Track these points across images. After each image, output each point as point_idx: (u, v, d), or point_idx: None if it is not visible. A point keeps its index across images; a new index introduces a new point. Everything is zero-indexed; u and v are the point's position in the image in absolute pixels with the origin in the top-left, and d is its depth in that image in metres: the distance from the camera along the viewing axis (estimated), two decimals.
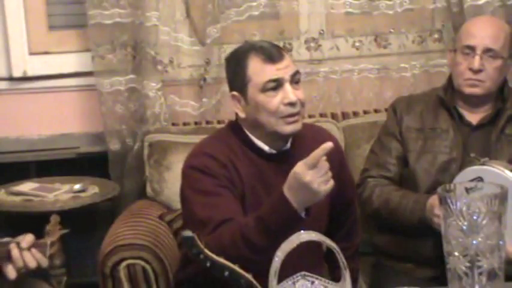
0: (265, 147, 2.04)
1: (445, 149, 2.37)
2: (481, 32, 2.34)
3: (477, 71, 2.32)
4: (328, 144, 1.76)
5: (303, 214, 1.82)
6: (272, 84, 1.96)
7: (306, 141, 2.07)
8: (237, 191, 1.98)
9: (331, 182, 1.80)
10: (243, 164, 2.01)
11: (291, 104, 1.96)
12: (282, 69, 1.97)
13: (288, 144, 2.07)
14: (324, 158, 1.78)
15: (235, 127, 2.08)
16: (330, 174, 1.79)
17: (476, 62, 2.31)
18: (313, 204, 1.83)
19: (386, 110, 3.05)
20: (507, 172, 2.10)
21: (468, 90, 2.35)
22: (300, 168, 1.78)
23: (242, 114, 2.02)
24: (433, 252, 2.19)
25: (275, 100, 1.96)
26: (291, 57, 2.06)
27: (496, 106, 2.39)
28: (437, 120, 2.41)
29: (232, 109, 2.08)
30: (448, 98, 2.41)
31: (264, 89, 1.96)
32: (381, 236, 2.48)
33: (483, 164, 2.16)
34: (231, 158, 2.00)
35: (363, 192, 2.41)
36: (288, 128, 1.98)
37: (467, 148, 2.36)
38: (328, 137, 2.22)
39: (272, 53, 1.98)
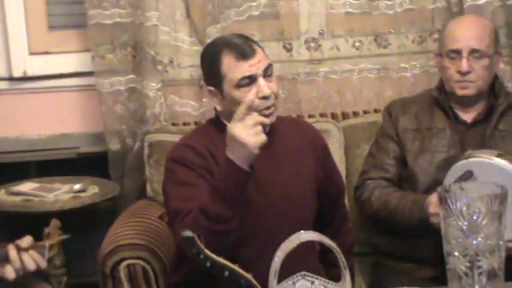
0: None
1: (442, 147, 2.37)
2: (465, 34, 2.34)
3: (466, 73, 2.33)
4: (249, 98, 1.89)
5: (245, 167, 1.89)
6: (246, 81, 2.01)
7: (284, 127, 2.16)
8: (214, 180, 2.02)
9: (262, 136, 1.87)
10: (222, 152, 2.04)
11: (266, 98, 2.01)
12: (254, 65, 2.01)
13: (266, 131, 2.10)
14: (257, 116, 1.87)
15: (215, 120, 2.15)
16: (259, 128, 1.87)
17: (464, 65, 2.32)
18: (253, 159, 1.89)
19: None
20: (496, 159, 2.10)
21: (460, 92, 2.36)
22: (229, 125, 1.89)
23: (219, 108, 2.09)
24: (433, 252, 2.19)
25: (250, 95, 2.01)
26: (263, 51, 2.08)
27: (488, 102, 2.40)
28: (433, 120, 2.42)
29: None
30: (442, 98, 2.42)
31: (239, 86, 2.01)
32: (381, 237, 2.48)
33: (469, 157, 2.16)
34: (209, 148, 2.07)
35: (362, 194, 2.42)
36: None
37: (464, 146, 2.36)
38: (311, 128, 2.30)
39: (244, 50, 2.02)
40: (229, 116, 2.06)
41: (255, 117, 1.87)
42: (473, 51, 2.32)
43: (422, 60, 3.17)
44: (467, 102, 2.40)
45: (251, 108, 2.01)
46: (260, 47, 2.08)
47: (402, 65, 3.18)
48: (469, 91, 2.36)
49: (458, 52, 2.33)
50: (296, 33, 3.19)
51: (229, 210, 1.88)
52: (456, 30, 2.38)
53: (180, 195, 2.00)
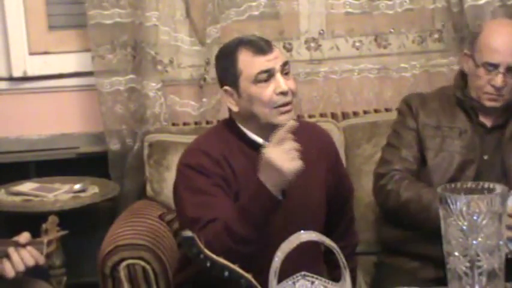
0: (260, 140, 2.05)
1: (462, 149, 2.34)
2: (505, 49, 2.27)
3: (500, 88, 2.29)
4: (291, 123, 1.84)
5: (279, 196, 1.86)
6: (264, 76, 1.99)
7: (299, 134, 2.11)
8: (230, 188, 2.01)
9: (298, 162, 1.84)
10: (237, 158, 2.04)
11: (283, 93, 1.99)
12: (272, 60, 1.99)
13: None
14: (290, 136, 1.84)
15: (229, 122, 2.11)
16: (295, 153, 1.84)
17: (499, 80, 2.27)
18: (287, 186, 1.86)
19: (386, 110, 3.06)
20: None
21: (489, 103, 2.32)
22: (265, 148, 1.85)
23: (235, 108, 2.04)
24: (441, 251, 2.18)
25: (267, 90, 1.99)
26: (280, 51, 2.08)
27: (509, 109, 2.37)
28: (454, 119, 2.39)
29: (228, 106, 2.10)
30: (465, 99, 2.38)
31: (256, 81, 1.99)
32: (390, 230, 2.45)
33: None
34: (224, 153, 2.03)
35: (387, 184, 2.35)
36: (282, 118, 2.00)
37: (483, 149, 2.35)
38: (322, 131, 2.27)
39: (261, 45, 2.01)
40: (246, 117, 2.04)
41: (293, 142, 1.84)
42: (511, 68, 2.27)
43: (422, 60, 3.17)
44: (491, 111, 2.36)
45: (268, 105, 1.99)
46: (275, 46, 2.07)
47: (402, 65, 3.18)
48: (498, 103, 2.32)
49: (495, 66, 2.28)
50: (296, 33, 3.19)
51: (254, 233, 1.86)
52: (496, 42, 2.29)
53: (197, 203, 1.96)
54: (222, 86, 2.07)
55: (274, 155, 1.82)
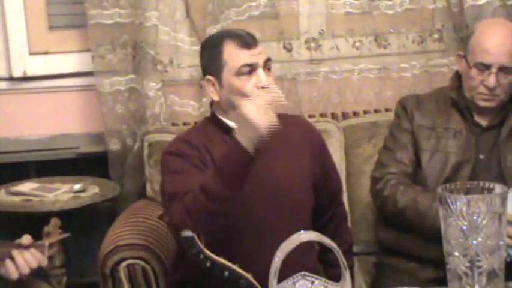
0: None
1: (458, 150, 2.34)
2: (497, 49, 2.27)
3: (492, 88, 2.29)
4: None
5: (251, 149, 1.87)
6: (246, 69, 2.03)
7: (282, 121, 2.13)
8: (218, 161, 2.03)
9: (272, 116, 1.84)
10: (219, 148, 2.06)
11: (264, 88, 2.01)
12: (256, 55, 2.04)
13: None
14: (271, 95, 1.88)
15: (211, 116, 2.16)
16: (270, 107, 1.85)
17: (492, 80, 2.27)
18: (262, 143, 1.87)
19: (386, 110, 3.05)
20: None
21: (483, 104, 2.33)
22: (241, 103, 1.87)
23: (216, 97, 2.09)
24: (438, 253, 2.18)
25: (249, 84, 2.03)
26: (263, 48, 2.11)
27: (505, 108, 2.37)
28: (449, 120, 2.39)
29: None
30: (461, 100, 2.39)
31: (239, 73, 2.03)
32: (388, 232, 2.45)
33: None
34: (205, 143, 2.07)
35: (384, 189, 2.36)
36: None
37: (478, 149, 2.35)
38: (307, 123, 2.32)
39: (247, 40, 2.05)
40: (227, 106, 2.08)
41: (268, 96, 1.87)
42: (503, 68, 2.27)
43: (422, 60, 3.17)
44: (486, 111, 2.36)
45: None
46: (259, 42, 2.10)
47: (402, 65, 3.18)
48: (492, 104, 2.32)
49: (487, 66, 2.28)
50: (296, 33, 3.19)
51: (227, 191, 1.85)
52: (488, 43, 2.29)
53: (175, 181, 2.00)
54: (204, 75, 2.11)
55: (249, 109, 1.84)
